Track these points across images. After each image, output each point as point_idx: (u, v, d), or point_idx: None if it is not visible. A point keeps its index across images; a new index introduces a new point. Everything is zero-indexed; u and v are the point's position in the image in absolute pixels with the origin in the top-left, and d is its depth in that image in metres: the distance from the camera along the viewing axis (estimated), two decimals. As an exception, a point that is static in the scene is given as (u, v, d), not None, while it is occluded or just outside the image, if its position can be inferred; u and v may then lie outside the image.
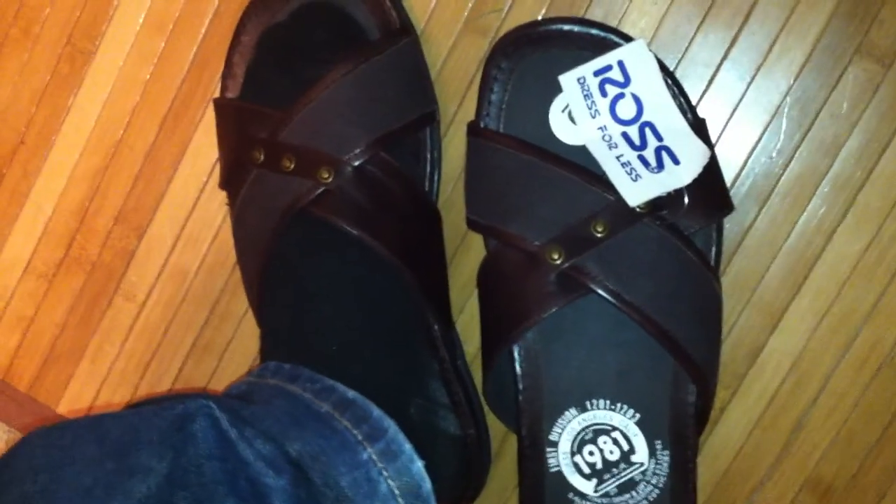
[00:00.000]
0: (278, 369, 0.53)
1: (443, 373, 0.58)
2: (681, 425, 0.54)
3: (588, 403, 0.54)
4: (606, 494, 0.54)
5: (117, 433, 0.44)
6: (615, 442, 0.54)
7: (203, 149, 0.65)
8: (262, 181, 0.55)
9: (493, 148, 0.54)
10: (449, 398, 0.58)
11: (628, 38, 0.53)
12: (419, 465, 0.49)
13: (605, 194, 0.52)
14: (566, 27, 0.54)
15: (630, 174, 0.51)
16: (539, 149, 0.53)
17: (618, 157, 0.52)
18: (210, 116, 0.64)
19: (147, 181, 0.67)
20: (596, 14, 0.58)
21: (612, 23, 0.57)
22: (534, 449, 0.55)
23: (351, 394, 0.50)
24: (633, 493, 0.54)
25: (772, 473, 0.60)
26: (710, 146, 0.53)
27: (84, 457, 0.43)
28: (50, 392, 0.70)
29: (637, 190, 0.51)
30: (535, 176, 0.53)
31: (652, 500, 0.54)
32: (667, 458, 0.54)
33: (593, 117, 0.52)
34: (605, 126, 0.52)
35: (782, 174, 0.57)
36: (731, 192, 0.57)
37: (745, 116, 0.57)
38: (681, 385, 0.53)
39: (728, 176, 0.57)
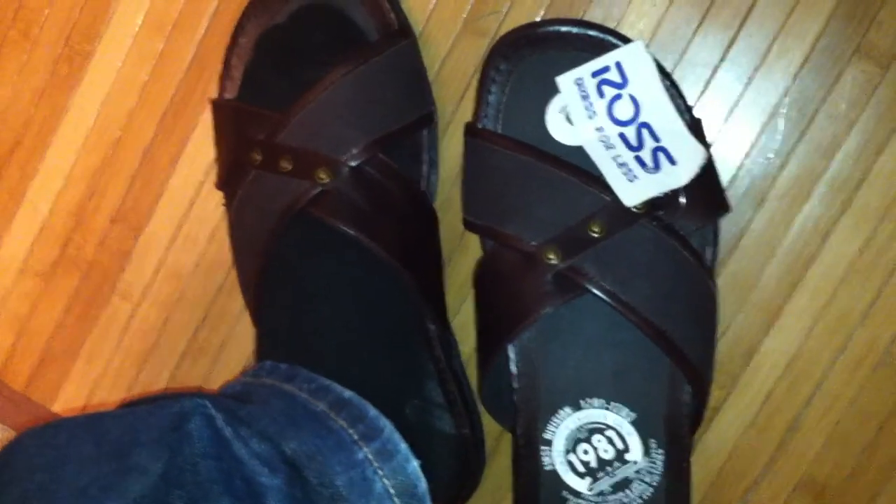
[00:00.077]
0: (274, 369, 0.53)
1: (438, 373, 0.58)
2: (676, 424, 0.54)
3: (583, 402, 0.54)
4: (601, 493, 0.54)
5: (113, 432, 0.44)
6: (609, 441, 0.54)
7: (201, 149, 0.65)
8: (259, 182, 0.55)
9: (491, 149, 0.54)
10: (444, 398, 0.58)
11: (626, 40, 0.53)
12: (415, 464, 0.49)
13: (602, 195, 0.52)
14: (564, 29, 0.54)
15: (627, 175, 0.51)
16: (536, 149, 0.53)
17: (615, 158, 0.52)
18: (208, 117, 0.64)
19: (144, 181, 0.67)
20: (594, 16, 0.58)
21: (611, 24, 0.57)
22: (528, 448, 0.55)
23: (347, 393, 0.50)
24: (628, 491, 0.54)
25: (766, 473, 0.60)
26: (707, 147, 0.53)
27: (80, 456, 0.43)
28: (45, 391, 0.70)
29: (634, 190, 0.51)
30: (533, 177, 0.53)
31: (646, 498, 0.54)
32: (661, 457, 0.54)
33: (590, 118, 0.52)
34: (602, 127, 0.52)
35: (779, 175, 0.57)
36: (728, 193, 0.57)
37: (742, 117, 0.57)
38: (676, 385, 0.53)
39: (725, 176, 0.57)
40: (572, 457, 0.54)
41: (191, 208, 0.66)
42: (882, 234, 0.56)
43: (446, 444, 0.58)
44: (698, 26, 0.57)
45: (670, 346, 0.51)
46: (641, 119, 0.52)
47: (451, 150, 0.60)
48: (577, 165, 0.52)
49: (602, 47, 0.53)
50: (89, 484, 0.41)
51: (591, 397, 0.54)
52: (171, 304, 0.67)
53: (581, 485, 0.54)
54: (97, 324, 0.69)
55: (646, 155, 0.52)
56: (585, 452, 0.54)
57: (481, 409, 0.59)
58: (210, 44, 0.64)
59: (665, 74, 0.53)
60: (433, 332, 0.57)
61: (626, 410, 0.53)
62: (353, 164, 0.54)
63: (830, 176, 0.57)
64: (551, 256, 0.52)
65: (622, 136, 0.52)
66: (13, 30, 0.68)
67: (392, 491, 0.47)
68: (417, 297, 0.56)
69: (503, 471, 0.61)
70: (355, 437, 0.48)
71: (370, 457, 0.48)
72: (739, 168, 0.58)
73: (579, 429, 0.54)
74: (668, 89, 0.53)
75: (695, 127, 0.53)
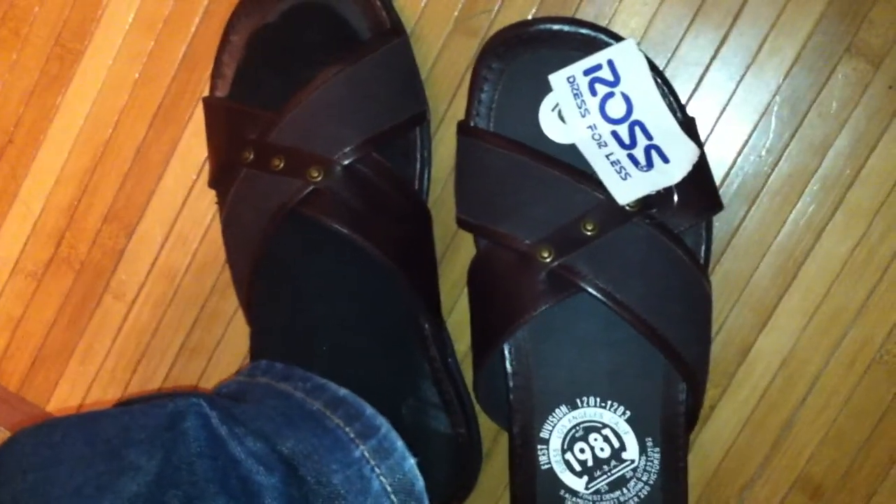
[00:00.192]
0: (269, 368, 0.53)
1: (434, 372, 0.58)
2: (671, 423, 0.54)
3: (579, 401, 0.54)
4: (597, 491, 0.54)
5: (107, 431, 0.44)
6: (606, 439, 0.54)
7: (192, 148, 0.65)
8: (252, 181, 0.55)
9: (483, 147, 0.54)
10: (440, 397, 0.58)
11: (618, 38, 0.53)
12: (412, 462, 0.49)
13: (595, 193, 0.52)
14: (556, 27, 0.54)
15: (620, 173, 0.51)
16: (529, 148, 0.53)
17: (607, 156, 0.52)
18: (199, 116, 0.64)
19: (136, 180, 0.66)
20: (586, 14, 0.58)
21: (603, 23, 0.58)
22: (525, 447, 0.55)
23: (342, 392, 0.50)
24: (624, 490, 0.54)
25: (762, 471, 0.60)
26: (700, 145, 0.53)
27: (74, 455, 0.43)
28: (40, 391, 0.70)
29: (627, 188, 0.51)
30: (525, 175, 0.53)
31: (642, 497, 0.54)
32: (657, 456, 0.54)
33: (583, 116, 0.52)
34: (594, 125, 0.52)
35: (772, 173, 0.57)
36: (721, 191, 0.57)
37: (734, 115, 0.57)
38: (671, 383, 0.53)
39: (717, 174, 0.58)
40: (569, 456, 0.54)
41: (183, 207, 0.66)
42: (875, 232, 0.56)
43: (442, 444, 0.58)
44: (690, 24, 0.57)
45: (665, 344, 0.51)
46: (634, 117, 0.52)
47: (443, 148, 0.60)
48: (569, 164, 0.52)
49: (594, 45, 0.53)
50: (84, 483, 0.41)
51: (586, 396, 0.54)
52: (165, 304, 0.67)
53: (578, 483, 0.54)
54: (91, 324, 0.68)
55: (638, 153, 0.52)
56: (582, 451, 0.54)
57: (477, 408, 0.59)
58: (201, 42, 0.64)
59: (657, 72, 0.54)
60: (428, 332, 0.57)
61: (621, 409, 0.54)
62: (346, 162, 0.54)
63: (822, 174, 0.57)
64: (545, 255, 0.52)
65: (615, 134, 0.52)
66: (3, 28, 0.68)
67: (389, 489, 0.47)
68: (411, 296, 0.56)
69: (500, 470, 0.61)
70: (352, 435, 0.48)
71: (367, 455, 0.48)
72: (732, 166, 0.58)
73: (575, 427, 0.54)
74: (660, 87, 0.53)
75: (687, 125, 0.53)
